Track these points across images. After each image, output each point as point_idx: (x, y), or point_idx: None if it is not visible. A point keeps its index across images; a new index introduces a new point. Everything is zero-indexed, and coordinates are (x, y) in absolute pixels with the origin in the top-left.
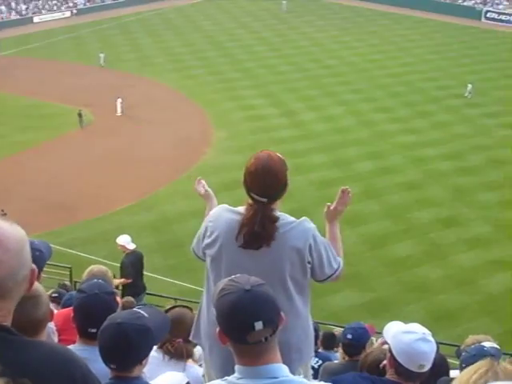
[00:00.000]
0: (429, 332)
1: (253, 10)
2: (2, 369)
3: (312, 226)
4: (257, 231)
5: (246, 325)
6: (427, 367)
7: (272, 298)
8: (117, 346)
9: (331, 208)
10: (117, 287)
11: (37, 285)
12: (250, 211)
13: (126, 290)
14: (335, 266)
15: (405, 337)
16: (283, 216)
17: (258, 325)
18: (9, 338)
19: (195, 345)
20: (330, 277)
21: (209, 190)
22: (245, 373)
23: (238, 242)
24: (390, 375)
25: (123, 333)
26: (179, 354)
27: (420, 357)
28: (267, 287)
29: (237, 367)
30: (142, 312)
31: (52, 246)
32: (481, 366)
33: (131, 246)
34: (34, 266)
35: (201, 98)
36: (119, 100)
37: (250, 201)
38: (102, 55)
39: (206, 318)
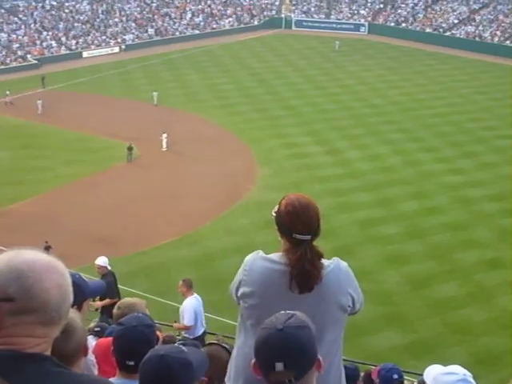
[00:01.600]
0: (470, 374)
1: (299, 48)
2: None
3: (345, 265)
4: (308, 270)
5: (268, 363)
6: None
7: (304, 341)
8: (159, 379)
9: None
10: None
11: (73, 317)
12: (297, 252)
13: (108, 309)
14: (362, 300)
15: (446, 378)
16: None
17: (279, 366)
18: (52, 370)
19: None
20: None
21: None
22: None
23: (292, 289)
24: None
25: (166, 365)
26: None
27: None
28: (306, 330)
29: None
30: (182, 347)
31: (94, 279)
32: None
33: (109, 267)
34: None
35: (246, 134)
36: (164, 135)
37: (289, 244)
38: (155, 94)
39: (237, 361)
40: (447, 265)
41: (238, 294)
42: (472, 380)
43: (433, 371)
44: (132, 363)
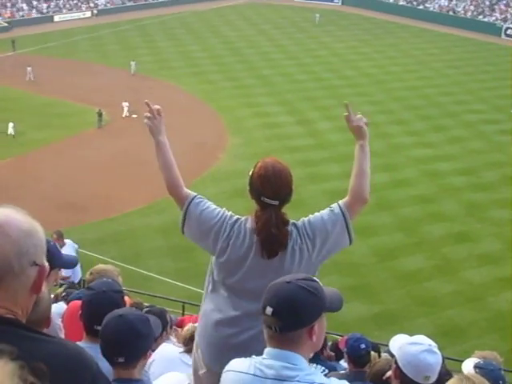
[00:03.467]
0: (435, 344)
1: (272, 17)
2: (16, 354)
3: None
4: (274, 233)
5: (263, 304)
6: (433, 379)
7: (300, 301)
8: (124, 337)
9: (351, 121)
10: None
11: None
12: (263, 216)
13: None
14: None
15: (411, 348)
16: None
17: (268, 310)
18: (17, 333)
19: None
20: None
21: (159, 118)
22: (268, 353)
23: (254, 252)
24: None
25: (128, 323)
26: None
27: (426, 368)
28: (310, 295)
29: (266, 349)
30: (135, 308)
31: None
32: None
33: None
34: (46, 264)
35: (217, 103)
36: (125, 103)
37: (258, 207)
38: (133, 63)
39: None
40: (415, 237)
41: (217, 247)
42: (437, 350)
43: (398, 341)
44: (99, 328)
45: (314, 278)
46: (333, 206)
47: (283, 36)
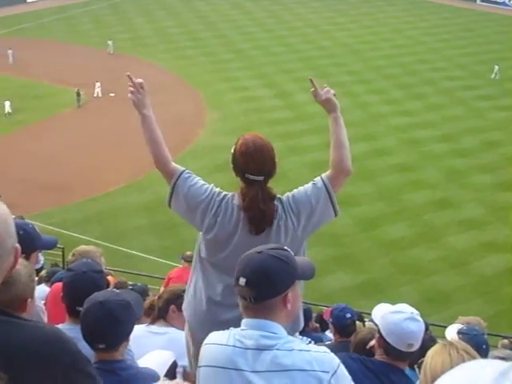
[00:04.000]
0: (417, 312)
1: None
2: None
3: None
4: (262, 209)
5: (236, 276)
6: (416, 346)
7: (273, 270)
8: (104, 326)
9: (319, 95)
10: None
11: (17, 269)
12: (250, 192)
13: None
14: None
15: (393, 316)
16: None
17: (242, 281)
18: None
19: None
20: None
21: (142, 92)
22: (245, 324)
23: (241, 228)
24: (379, 355)
25: (108, 311)
26: (151, 308)
27: (409, 336)
28: (281, 263)
29: (243, 320)
30: (117, 290)
31: (45, 226)
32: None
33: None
34: (17, 244)
35: (194, 79)
36: (98, 84)
37: (243, 184)
38: (110, 42)
39: (195, 296)
40: (396, 206)
41: (205, 223)
42: (419, 318)
43: (380, 310)
44: (81, 309)
45: (285, 247)
46: (316, 179)
47: (258, 9)
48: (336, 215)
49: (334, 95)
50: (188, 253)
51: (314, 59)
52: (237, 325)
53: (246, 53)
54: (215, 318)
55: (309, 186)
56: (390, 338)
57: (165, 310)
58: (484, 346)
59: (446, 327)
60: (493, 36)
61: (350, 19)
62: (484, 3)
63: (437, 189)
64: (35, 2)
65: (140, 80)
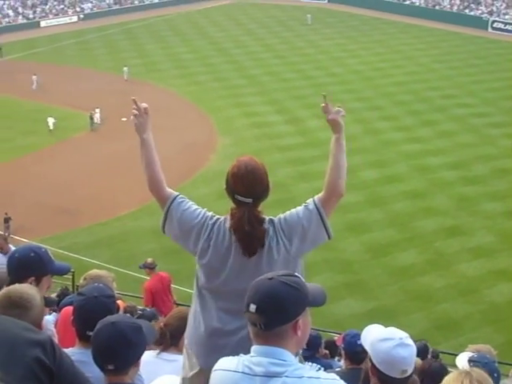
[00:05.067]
0: (406, 335)
1: (259, 17)
2: None
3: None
4: (248, 231)
5: (247, 302)
6: (409, 371)
7: (283, 297)
8: (114, 345)
9: (329, 113)
10: None
11: (32, 294)
12: (237, 214)
13: None
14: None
15: (382, 345)
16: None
17: (252, 307)
18: None
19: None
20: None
21: (145, 117)
22: (255, 351)
23: (234, 251)
24: (374, 383)
25: (120, 331)
26: (161, 337)
27: (400, 363)
28: (293, 290)
29: (252, 347)
30: (129, 315)
31: (54, 250)
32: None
33: None
34: None
35: (206, 104)
36: (97, 110)
37: (234, 206)
38: (125, 69)
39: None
40: (407, 233)
41: (198, 247)
42: (409, 341)
43: (369, 337)
44: (91, 333)
45: (296, 273)
46: (308, 201)
47: (270, 35)
48: (329, 238)
49: (343, 116)
50: (149, 260)
51: (326, 85)
52: (237, 349)
53: (257, 79)
54: (215, 344)
55: (301, 208)
56: (382, 366)
57: (177, 338)
58: (495, 375)
59: (456, 355)
60: (504, 64)
61: (361, 46)
62: (495, 31)
63: (447, 216)
64: (49, 27)
65: (145, 105)
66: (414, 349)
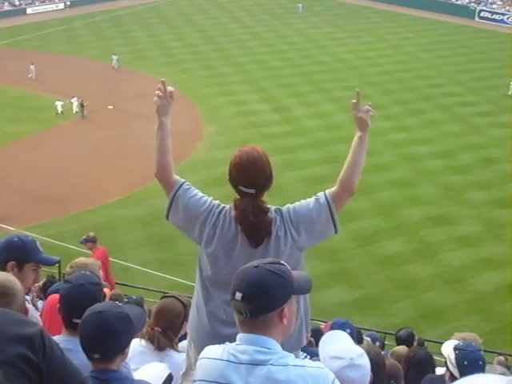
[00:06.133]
0: (360, 353)
1: (246, 4)
2: None
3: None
4: (253, 221)
5: (232, 290)
6: None
7: (269, 284)
8: (100, 335)
9: (358, 110)
10: None
11: (14, 281)
12: (241, 205)
13: None
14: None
15: (332, 363)
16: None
17: (238, 295)
18: None
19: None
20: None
21: (169, 101)
22: (240, 339)
23: (240, 241)
24: None
25: (105, 321)
26: (151, 341)
27: None
28: (278, 278)
29: (238, 335)
30: (118, 303)
31: (41, 238)
32: None
33: None
34: None
35: (193, 92)
36: (75, 99)
37: (238, 197)
38: (114, 57)
39: (198, 312)
40: (393, 221)
41: (204, 235)
42: (360, 361)
43: (323, 351)
44: (78, 321)
45: (282, 261)
46: (319, 194)
47: (257, 23)
48: (336, 232)
49: (372, 116)
50: (91, 234)
51: (313, 74)
52: None
53: (244, 67)
54: (218, 334)
55: (311, 200)
56: None
57: (172, 339)
58: (480, 362)
59: (441, 343)
60: (491, 53)
61: (349, 35)
62: (483, 20)
63: (433, 205)
64: (35, 14)
65: (172, 88)
66: (364, 369)
